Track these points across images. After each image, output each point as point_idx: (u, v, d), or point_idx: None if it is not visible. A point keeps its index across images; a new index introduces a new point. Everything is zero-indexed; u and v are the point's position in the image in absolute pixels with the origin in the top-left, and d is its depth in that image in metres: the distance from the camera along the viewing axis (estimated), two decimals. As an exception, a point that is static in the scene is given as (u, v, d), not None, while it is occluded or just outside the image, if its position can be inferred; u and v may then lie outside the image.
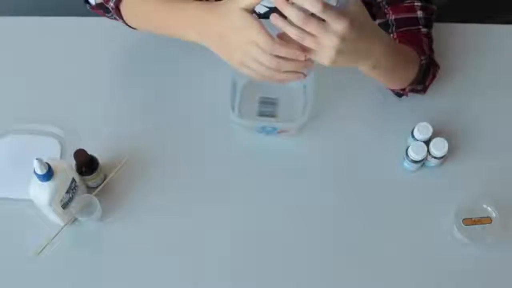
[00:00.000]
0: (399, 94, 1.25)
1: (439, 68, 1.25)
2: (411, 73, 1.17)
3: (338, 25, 0.88)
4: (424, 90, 1.25)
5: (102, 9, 1.20)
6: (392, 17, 1.22)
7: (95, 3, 1.20)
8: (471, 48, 1.34)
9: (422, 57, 1.18)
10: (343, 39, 0.89)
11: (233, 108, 1.22)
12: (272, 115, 1.25)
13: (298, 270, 1.14)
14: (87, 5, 1.24)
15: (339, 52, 0.90)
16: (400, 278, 1.13)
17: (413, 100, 1.28)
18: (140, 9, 1.14)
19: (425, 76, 1.20)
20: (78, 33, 1.38)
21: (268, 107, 1.26)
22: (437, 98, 1.29)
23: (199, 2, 1.04)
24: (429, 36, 1.23)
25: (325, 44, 0.89)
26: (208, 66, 1.30)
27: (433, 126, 1.19)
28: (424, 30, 1.21)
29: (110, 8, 1.17)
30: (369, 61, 1.00)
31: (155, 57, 1.35)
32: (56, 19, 1.39)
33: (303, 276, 1.13)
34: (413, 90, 1.23)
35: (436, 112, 1.26)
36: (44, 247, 1.12)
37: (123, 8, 1.16)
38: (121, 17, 1.18)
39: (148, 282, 1.13)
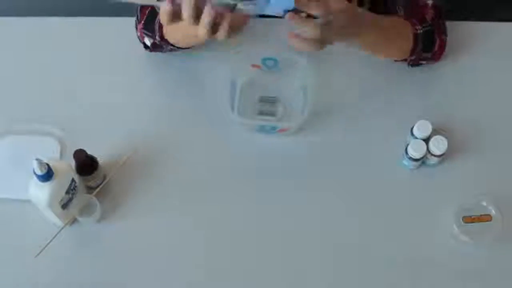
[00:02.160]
0: (410, 64, 1.28)
1: (446, 36, 1.27)
2: (405, 43, 1.21)
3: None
4: (435, 58, 1.28)
5: (157, 47, 1.28)
6: None
7: (150, 44, 1.28)
8: (471, 46, 1.34)
9: (419, 26, 1.21)
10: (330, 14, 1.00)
11: (232, 108, 1.22)
12: (271, 114, 1.25)
13: (298, 269, 1.14)
14: (147, 49, 1.30)
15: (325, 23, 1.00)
16: (400, 276, 1.13)
17: (413, 98, 1.28)
18: (173, 31, 1.20)
19: (428, 43, 1.23)
20: (78, 33, 1.38)
21: (267, 106, 1.26)
22: (437, 96, 1.29)
23: None
24: (435, 7, 1.25)
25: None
26: (207, 66, 1.30)
27: (432, 124, 1.19)
28: (430, 1, 1.25)
29: (157, 42, 1.25)
30: (354, 38, 1.09)
31: (154, 58, 1.34)
32: (56, 19, 1.39)
33: (303, 276, 1.13)
34: (422, 59, 1.26)
35: (435, 110, 1.26)
36: (44, 248, 1.12)
37: (166, 36, 1.23)
38: (170, 44, 1.24)
39: (148, 281, 1.13)
